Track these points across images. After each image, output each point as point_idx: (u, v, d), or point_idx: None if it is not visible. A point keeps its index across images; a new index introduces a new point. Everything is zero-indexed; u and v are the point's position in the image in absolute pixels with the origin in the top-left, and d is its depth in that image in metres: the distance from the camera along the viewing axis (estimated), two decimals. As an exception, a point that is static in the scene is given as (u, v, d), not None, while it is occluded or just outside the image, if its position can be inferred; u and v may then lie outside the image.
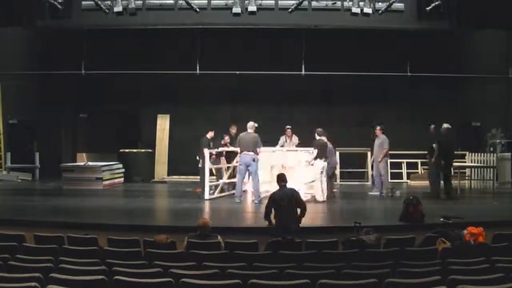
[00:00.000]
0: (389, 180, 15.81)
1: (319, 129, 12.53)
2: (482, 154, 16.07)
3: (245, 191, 12.72)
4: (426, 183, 14.33)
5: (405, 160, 16.74)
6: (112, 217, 9.87)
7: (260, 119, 13.76)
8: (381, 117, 17.51)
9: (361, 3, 15.98)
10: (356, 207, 11.57)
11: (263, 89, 16.88)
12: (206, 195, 12.11)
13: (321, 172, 12.14)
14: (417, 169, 16.89)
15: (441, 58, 17.32)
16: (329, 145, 12.69)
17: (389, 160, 14.64)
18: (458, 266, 5.81)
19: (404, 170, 16.65)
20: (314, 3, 15.99)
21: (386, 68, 16.98)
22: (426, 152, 13.98)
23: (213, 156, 13.58)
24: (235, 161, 13.14)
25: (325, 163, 12.30)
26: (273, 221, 8.45)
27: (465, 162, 15.91)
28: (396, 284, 5.05)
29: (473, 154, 16.08)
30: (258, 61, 16.48)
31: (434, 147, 13.02)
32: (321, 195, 12.02)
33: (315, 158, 12.09)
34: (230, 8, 16.05)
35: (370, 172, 16.43)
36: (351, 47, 17.02)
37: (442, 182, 13.11)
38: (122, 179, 15.88)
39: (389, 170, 15.01)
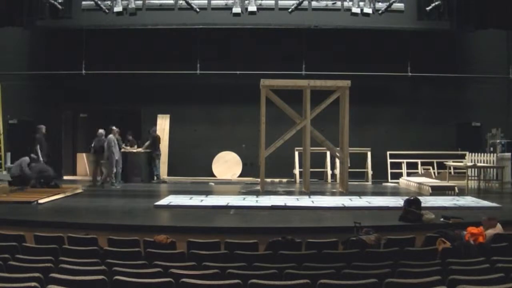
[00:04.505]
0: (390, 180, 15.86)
1: None
2: (482, 154, 16.06)
3: None
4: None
5: (405, 160, 16.74)
6: (112, 217, 9.85)
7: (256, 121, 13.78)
8: (382, 117, 17.57)
9: (361, 3, 16.03)
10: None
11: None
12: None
13: None
14: (417, 169, 16.89)
15: (441, 58, 17.34)
16: None
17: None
18: (458, 266, 5.81)
19: (404, 170, 16.65)
20: (314, 3, 16.05)
21: (386, 68, 17.01)
22: None
23: None
24: None
25: None
26: None
27: (464, 162, 15.89)
28: (396, 284, 5.05)
29: (473, 154, 16.07)
30: (258, 61, 16.50)
31: None
32: None
33: None
34: (230, 8, 16.11)
35: (370, 172, 16.45)
36: (351, 47, 17.04)
37: None
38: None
39: None
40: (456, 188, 13.24)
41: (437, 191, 13.11)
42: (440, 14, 15.48)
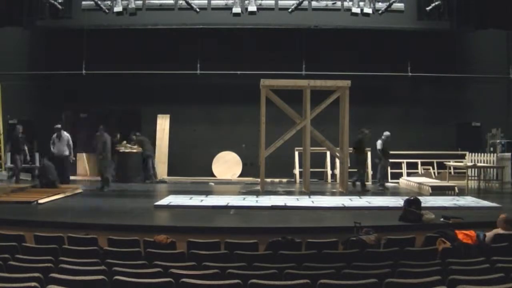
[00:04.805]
0: (390, 180, 15.89)
1: None
2: (482, 154, 16.07)
3: None
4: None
5: (405, 160, 16.74)
6: (112, 217, 9.85)
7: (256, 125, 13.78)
8: (382, 117, 17.57)
9: (361, 3, 16.03)
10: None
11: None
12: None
13: None
14: (417, 169, 16.90)
15: (441, 58, 17.34)
16: None
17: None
18: (458, 266, 5.80)
19: (404, 170, 16.65)
20: (314, 3, 16.06)
21: (386, 68, 17.01)
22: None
23: None
24: None
25: None
26: None
27: (465, 162, 15.89)
28: (396, 284, 5.05)
29: (473, 154, 16.07)
30: (258, 61, 16.50)
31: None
32: None
33: None
34: (230, 8, 16.12)
35: (370, 172, 16.45)
36: (351, 47, 17.04)
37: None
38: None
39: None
40: (456, 188, 13.25)
41: (437, 191, 13.12)
42: (440, 14, 15.49)
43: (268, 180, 15.54)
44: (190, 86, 17.39)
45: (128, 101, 17.55)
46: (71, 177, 17.65)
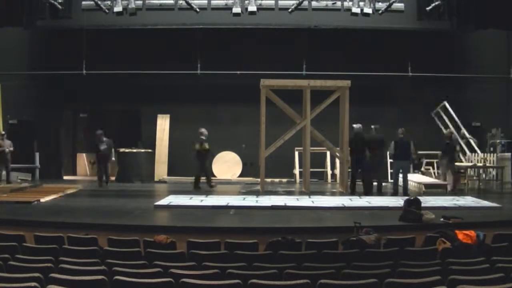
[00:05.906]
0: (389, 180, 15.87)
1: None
2: (482, 154, 16.05)
3: None
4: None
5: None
6: (112, 217, 9.85)
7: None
8: (381, 117, 17.56)
9: (361, 3, 16.04)
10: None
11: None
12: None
13: None
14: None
15: (441, 58, 17.33)
16: None
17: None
18: (458, 266, 5.81)
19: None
20: (314, 3, 16.07)
21: (386, 68, 17.01)
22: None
23: None
24: None
25: None
26: None
27: (465, 162, 15.88)
28: (396, 284, 5.05)
29: (473, 154, 16.06)
30: (258, 61, 16.49)
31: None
32: None
33: None
34: (230, 8, 16.12)
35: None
36: (351, 47, 17.03)
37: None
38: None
39: None
40: (448, 186, 13.34)
41: (430, 189, 13.26)
42: (440, 14, 15.50)
43: (268, 180, 15.54)
44: (190, 86, 17.39)
45: (128, 101, 17.56)
46: (71, 177, 17.74)
